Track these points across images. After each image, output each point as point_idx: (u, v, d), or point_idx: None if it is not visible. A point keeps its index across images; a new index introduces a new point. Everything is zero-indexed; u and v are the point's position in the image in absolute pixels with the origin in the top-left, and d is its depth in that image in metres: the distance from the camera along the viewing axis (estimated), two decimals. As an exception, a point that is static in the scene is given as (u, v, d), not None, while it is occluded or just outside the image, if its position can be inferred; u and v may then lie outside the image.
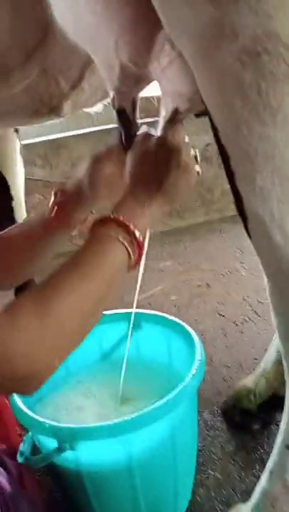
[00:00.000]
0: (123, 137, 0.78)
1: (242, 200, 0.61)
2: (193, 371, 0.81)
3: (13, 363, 0.52)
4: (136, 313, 1.05)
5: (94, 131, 1.98)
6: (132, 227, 0.62)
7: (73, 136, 2.03)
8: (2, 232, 0.84)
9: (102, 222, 0.64)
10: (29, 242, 0.82)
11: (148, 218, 0.66)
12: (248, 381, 1.12)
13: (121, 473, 0.81)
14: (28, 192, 1.52)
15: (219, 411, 1.18)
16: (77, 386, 0.98)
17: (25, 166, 1.50)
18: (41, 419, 0.77)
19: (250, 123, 0.56)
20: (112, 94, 0.77)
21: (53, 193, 0.82)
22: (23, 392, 0.60)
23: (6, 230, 0.85)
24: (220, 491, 0.99)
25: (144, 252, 0.65)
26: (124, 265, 0.63)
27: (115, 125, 0.81)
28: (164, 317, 1.03)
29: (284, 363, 0.72)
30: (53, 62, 0.87)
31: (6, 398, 0.86)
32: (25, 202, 1.52)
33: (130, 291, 0.86)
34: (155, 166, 0.68)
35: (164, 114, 0.77)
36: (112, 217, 0.63)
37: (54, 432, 0.75)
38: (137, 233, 0.63)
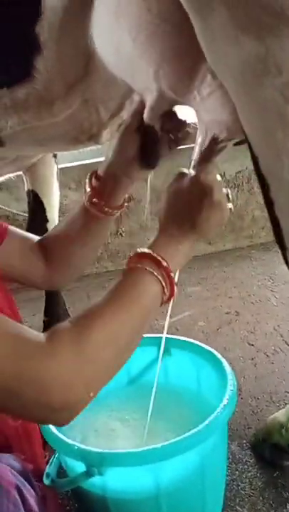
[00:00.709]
0: (145, 149, 0.80)
1: (281, 229, 0.61)
2: (225, 401, 0.79)
3: (49, 391, 0.52)
4: (165, 339, 1.05)
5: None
6: (164, 263, 0.64)
7: (107, 161, 2.08)
8: (50, 231, 0.90)
9: (138, 257, 0.66)
10: (75, 233, 0.86)
11: (182, 254, 0.69)
12: (280, 415, 1.09)
13: (148, 501, 0.79)
14: (60, 212, 1.56)
15: (248, 444, 1.14)
16: (105, 410, 0.97)
17: (59, 189, 1.55)
18: (70, 442, 0.77)
19: (291, 154, 0.57)
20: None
21: (87, 179, 0.85)
22: (55, 423, 0.61)
23: (52, 228, 0.92)
24: (248, 529, 0.96)
25: (175, 288, 0.66)
26: (159, 298, 0.65)
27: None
28: (194, 344, 1.01)
29: None
30: (94, 93, 0.91)
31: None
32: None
33: (155, 316, 0.86)
34: (189, 204, 0.70)
35: (200, 142, 0.79)
36: (146, 252, 0.66)
37: (83, 455, 0.75)
38: (170, 269, 0.65)
